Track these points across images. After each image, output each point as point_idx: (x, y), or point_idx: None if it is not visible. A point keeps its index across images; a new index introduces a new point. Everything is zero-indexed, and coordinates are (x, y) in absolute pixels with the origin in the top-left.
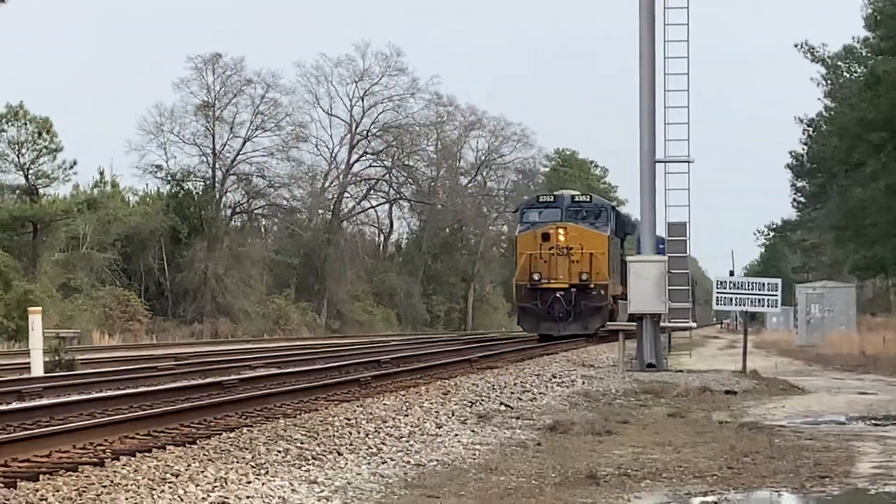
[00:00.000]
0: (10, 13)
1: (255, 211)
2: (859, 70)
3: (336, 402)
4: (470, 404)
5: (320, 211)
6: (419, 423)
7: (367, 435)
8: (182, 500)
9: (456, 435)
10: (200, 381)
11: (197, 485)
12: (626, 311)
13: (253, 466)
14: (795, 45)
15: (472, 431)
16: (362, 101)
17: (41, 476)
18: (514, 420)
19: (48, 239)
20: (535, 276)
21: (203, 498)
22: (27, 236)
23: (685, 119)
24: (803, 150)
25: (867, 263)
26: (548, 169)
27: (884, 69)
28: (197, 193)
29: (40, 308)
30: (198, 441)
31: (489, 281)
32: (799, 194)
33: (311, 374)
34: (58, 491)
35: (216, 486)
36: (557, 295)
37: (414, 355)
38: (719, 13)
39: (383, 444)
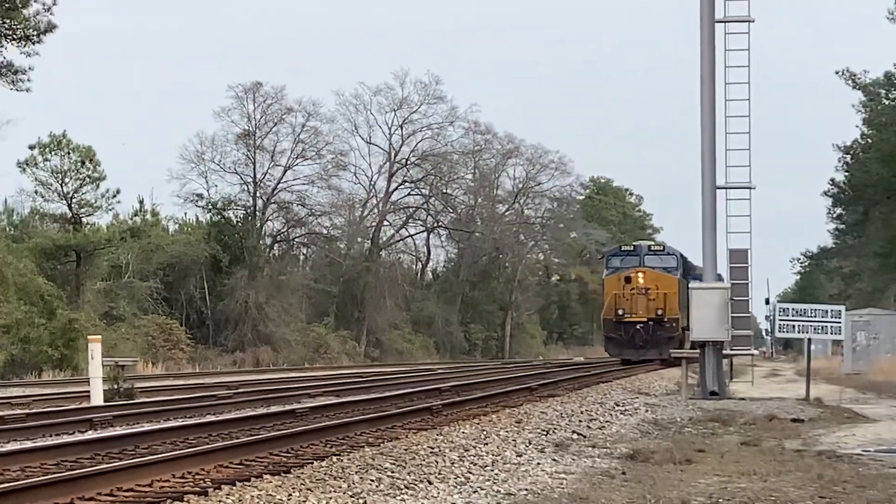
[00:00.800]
0: (53, 43)
1: (296, 239)
2: None
3: (414, 430)
4: (544, 433)
5: (359, 239)
6: (499, 451)
7: (452, 463)
8: None
9: (538, 464)
10: (274, 410)
11: None
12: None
13: (351, 496)
14: (837, 72)
15: (553, 460)
16: (401, 129)
17: None
18: (590, 448)
19: (90, 268)
20: (620, 312)
21: None
22: (70, 265)
23: (746, 145)
24: (845, 176)
25: None
26: (583, 197)
27: None
28: (238, 222)
29: (100, 337)
30: (291, 470)
31: (526, 309)
32: (837, 221)
33: (377, 403)
34: None
35: None
36: (637, 327)
37: (471, 384)
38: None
39: (469, 473)
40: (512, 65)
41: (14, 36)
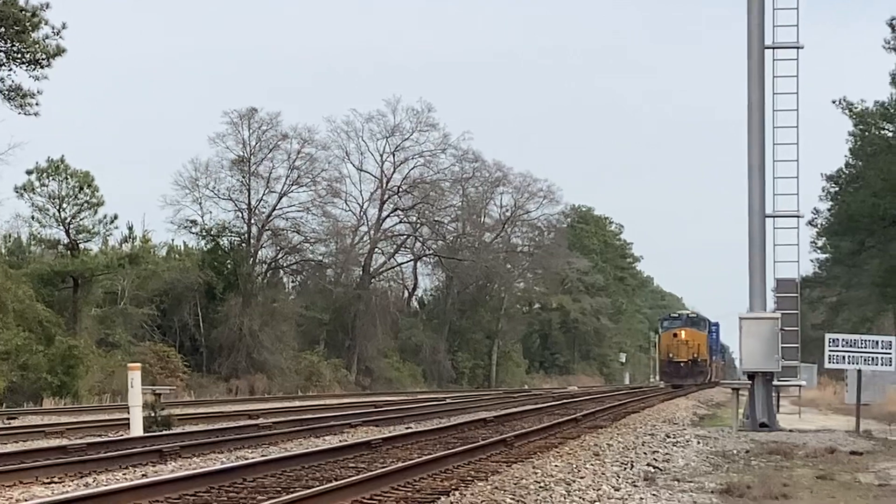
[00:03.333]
0: (52, 70)
1: (289, 266)
2: (891, 127)
3: (507, 464)
4: (623, 466)
5: (352, 267)
6: (597, 485)
7: (561, 498)
8: None
9: (641, 498)
10: (352, 442)
11: None
12: (720, 371)
13: None
14: (833, 101)
15: (653, 495)
16: (393, 156)
17: None
18: (676, 483)
19: (87, 294)
20: (670, 355)
21: None
22: (67, 291)
23: (794, 173)
24: (832, 206)
25: None
26: (565, 226)
27: None
28: (232, 249)
29: (139, 364)
30: None
31: (511, 338)
32: (822, 251)
33: (436, 434)
34: None
35: None
36: (681, 364)
37: (507, 414)
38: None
39: None
40: (507, 95)
41: (23, 59)
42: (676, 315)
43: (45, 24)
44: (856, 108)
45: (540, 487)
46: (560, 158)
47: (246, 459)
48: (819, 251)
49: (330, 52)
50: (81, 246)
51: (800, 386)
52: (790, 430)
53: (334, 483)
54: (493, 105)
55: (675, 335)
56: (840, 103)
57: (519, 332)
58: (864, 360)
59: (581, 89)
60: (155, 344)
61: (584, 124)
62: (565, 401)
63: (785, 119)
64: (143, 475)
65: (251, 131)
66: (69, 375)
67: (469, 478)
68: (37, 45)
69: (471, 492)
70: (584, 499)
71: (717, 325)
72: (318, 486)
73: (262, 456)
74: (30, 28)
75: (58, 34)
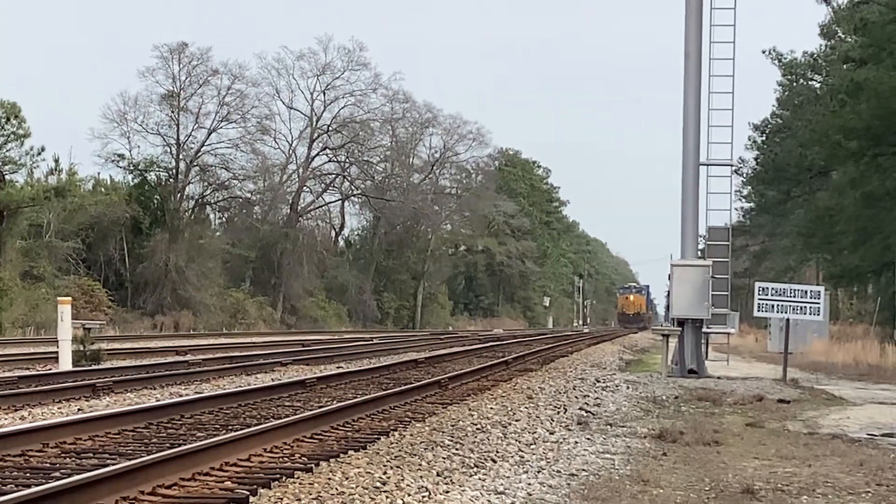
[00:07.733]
0: None
1: (217, 203)
2: (819, 78)
3: (443, 405)
4: (557, 410)
5: (280, 206)
6: (532, 428)
7: (499, 440)
8: None
9: (576, 442)
10: (286, 381)
11: (408, 494)
12: (650, 320)
13: (437, 474)
14: (763, 52)
15: (587, 439)
16: (323, 95)
17: (271, 483)
18: (609, 427)
19: (12, 226)
20: (624, 310)
21: None
22: None
23: (729, 122)
24: (757, 155)
25: (842, 272)
26: (493, 168)
27: (865, 77)
28: (159, 184)
29: (70, 298)
30: (367, 446)
31: (438, 280)
32: (745, 200)
33: (368, 374)
34: (298, 500)
35: (424, 497)
36: (630, 315)
37: (438, 356)
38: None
39: (521, 452)
40: (437, 35)
41: None
42: (628, 286)
43: None
44: (785, 58)
45: (477, 429)
46: (491, 101)
47: (181, 396)
48: (744, 200)
49: None
50: (7, 177)
51: (728, 333)
52: (718, 378)
53: (275, 422)
54: (425, 46)
55: (627, 297)
56: (770, 53)
57: (445, 273)
58: (793, 309)
59: (517, 29)
60: (80, 278)
61: (516, 67)
62: (492, 343)
63: (721, 68)
64: (78, 409)
65: (181, 66)
66: None
67: (406, 418)
68: None
69: (409, 433)
70: (520, 441)
71: (647, 286)
72: (256, 424)
73: (197, 393)
74: None
75: None
